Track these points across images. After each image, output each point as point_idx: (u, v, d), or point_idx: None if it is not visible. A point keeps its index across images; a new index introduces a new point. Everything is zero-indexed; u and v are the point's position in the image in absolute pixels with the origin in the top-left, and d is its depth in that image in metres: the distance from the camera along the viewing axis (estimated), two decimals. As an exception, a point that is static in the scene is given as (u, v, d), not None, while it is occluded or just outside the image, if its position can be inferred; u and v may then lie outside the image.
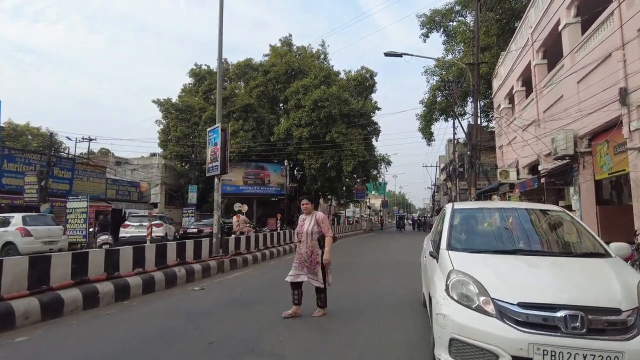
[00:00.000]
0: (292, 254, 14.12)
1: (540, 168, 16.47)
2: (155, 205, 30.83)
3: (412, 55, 15.28)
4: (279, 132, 30.20)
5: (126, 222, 19.02)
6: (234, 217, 15.65)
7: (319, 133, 30.04)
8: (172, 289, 7.64)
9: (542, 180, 13.76)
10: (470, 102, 34.99)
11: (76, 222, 16.86)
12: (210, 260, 9.43)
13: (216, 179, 10.53)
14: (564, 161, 13.53)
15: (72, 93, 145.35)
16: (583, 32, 13.12)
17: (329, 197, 52.21)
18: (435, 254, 4.18)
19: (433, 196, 64.21)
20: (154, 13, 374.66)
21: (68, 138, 33.43)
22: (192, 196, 30.28)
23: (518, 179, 20.03)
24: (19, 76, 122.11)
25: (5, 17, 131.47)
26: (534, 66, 17.18)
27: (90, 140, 40.06)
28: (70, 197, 17.79)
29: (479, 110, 34.29)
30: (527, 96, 19.60)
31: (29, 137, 42.25)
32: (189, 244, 8.87)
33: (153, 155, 37.53)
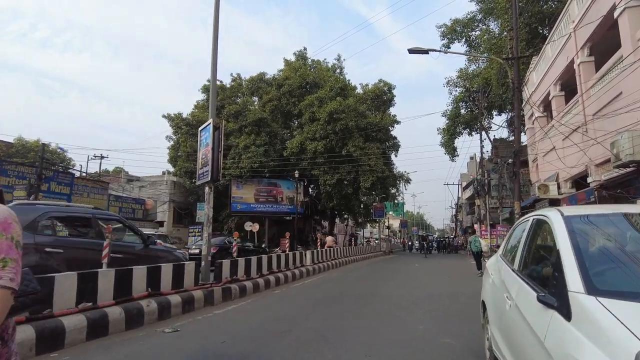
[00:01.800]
0: (302, 280, 12.05)
1: (590, 180, 14.17)
2: (161, 223, 29.23)
3: (439, 51, 13.44)
4: (292, 147, 28.47)
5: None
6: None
7: (334, 147, 28.20)
8: (136, 330, 5.69)
9: (604, 192, 11.45)
10: (497, 114, 32.90)
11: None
12: (195, 289, 7.46)
13: (207, 188, 8.64)
14: (629, 169, 11.27)
15: (94, 118, 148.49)
16: (647, 16, 11.12)
17: (345, 216, 50.07)
18: (555, 302, 2.15)
19: (455, 216, 61.31)
20: (175, 40, 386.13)
21: (60, 149, 32.16)
22: (201, 214, 28.52)
23: (560, 193, 17.71)
24: (47, 102, 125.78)
25: (35, 47, 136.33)
26: (579, 65, 15.08)
27: (102, 157, 39.11)
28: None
29: (506, 123, 32.14)
30: (566, 101, 17.46)
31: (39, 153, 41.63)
32: (166, 269, 6.90)
33: (168, 173, 36.30)
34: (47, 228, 6.28)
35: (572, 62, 15.83)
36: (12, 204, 6.55)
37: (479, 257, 16.69)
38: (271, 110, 32.43)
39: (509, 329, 2.99)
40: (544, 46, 19.57)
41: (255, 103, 35.42)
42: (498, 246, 23.92)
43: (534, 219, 3.35)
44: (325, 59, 36.23)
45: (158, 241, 16.58)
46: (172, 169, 34.47)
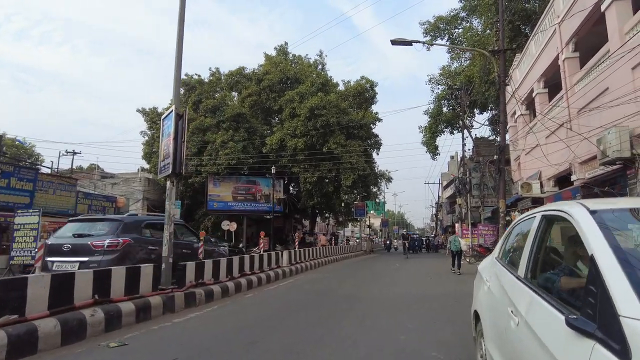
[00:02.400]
0: (277, 283, 11.33)
1: (574, 178, 13.88)
2: (134, 222, 27.99)
3: (422, 42, 12.91)
4: (272, 143, 27.65)
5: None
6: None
7: (315, 144, 27.51)
8: (76, 344, 4.89)
9: (596, 189, 11.06)
10: (479, 113, 32.79)
11: (24, 241, 14.10)
12: (153, 295, 6.66)
13: (168, 183, 7.82)
14: (614, 166, 10.95)
15: (75, 115, 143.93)
16: (635, 9, 10.80)
17: (327, 215, 49.46)
18: (598, 331, 1.52)
19: (436, 215, 61.45)
20: (160, 39, 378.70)
21: (19, 141, 30.59)
22: (175, 213, 27.41)
23: (542, 192, 17.47)
24: (22, 96, 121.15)
25: (9, 39, 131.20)
26: (563, 60, 14.79)
27: (74, 153, 37.43)
28: (19, 211, 15.06)
29: (488, 122, 32.02)
30: (550, 98, 17.22)
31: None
32: (118, 272, 6.09)
33: (143, 170, 34.94)
34: (147, 231, 8.86)
35: (556, 58, 15.55)
36: (125, 214, 10.10)
37: (458, 257, 17.15)
38: (250, 105, 31.53)
39: (516, 353, 2.36)
40: (528, 43, 19.33)
41: (235, 98, 34.45)
42: (480, 246, 23.74)
43: (542, 216, 2.73)
44: (307, 55, 35.44)
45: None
46: (147, 166, 33.19)
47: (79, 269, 6.72)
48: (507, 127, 23.74)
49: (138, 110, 33.00)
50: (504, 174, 11.54)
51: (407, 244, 30.95)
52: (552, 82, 16.81)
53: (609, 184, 12.06)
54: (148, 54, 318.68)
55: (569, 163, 14.48)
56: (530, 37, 18.76)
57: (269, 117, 32.20)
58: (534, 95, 18.05)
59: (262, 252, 12.81)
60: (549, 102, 17.08)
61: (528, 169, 18.86)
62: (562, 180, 16.61)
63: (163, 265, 7.21)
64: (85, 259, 7.19)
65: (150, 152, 32.14)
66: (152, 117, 32.51)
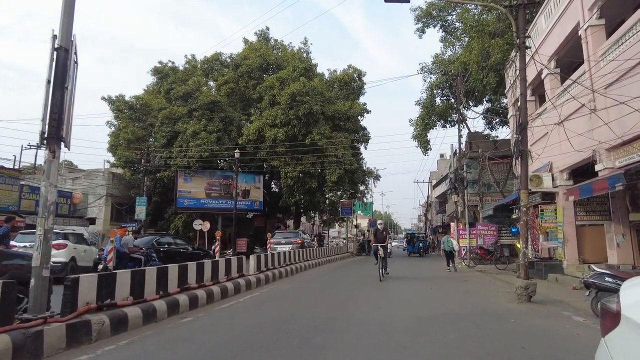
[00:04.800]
0: (236, 297, 8.71)
1: (601, 167, 11.58)
2: (92, 220, 25.05)
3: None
4: (249, 133, 24.98)
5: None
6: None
7: (297, 135, 24.96)
8: None
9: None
10: (473, 105, 30.57)
11: None
12: (10, 330, 4.02)
13: (46, 152, 5.05)
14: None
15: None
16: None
17: (312, 214, 46.86)
18: None
19: (425, 215, 59.42)
20: (145, 35, 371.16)
21: None
22: (140, 210, 24.61)
23: (554, 185, 15.20)
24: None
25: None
26: (586, 30, 12.49)
27: (38, 147, 34.08)
28: None
29: (482, 116, 29.82)
30: (562, 81, 14.98)
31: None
32: None
33: (109, 163, 31.86)
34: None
35: (574, 30, 13.30)
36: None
37: (451, 256, 18.29)
38: (227, 93, 28.83)
39: None
40: (536, 18, 17.09)
41: (212, 87, 31.68)
42: (481, 248, 21.45)
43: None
44: (290, 43, 32.77)
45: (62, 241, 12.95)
46: (112, 159, 30.19)
47: None
48: (509, 116, 21.60)
49: (103, 98, 29.96)
50: (526, 157, 9.14)
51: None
52: (567, 60, 14.59)
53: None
54: (113, 42, 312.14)
55: (592, 150, 12.22)
56: (540, 11, 16.54)
57: (248, 107, 29.51)
58: (543, 77, 15.79)
59: (217, 257, 10.15)
60: (561, 84, 14.88)
61: (536, 161, 16.62)
62: (579, 171, 14.39)
63: (32, 282, 4.57)
64: None
65: (117, 143, 29.16)
66: (119, 106, 29.54)
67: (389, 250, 25.89)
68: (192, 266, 7.86)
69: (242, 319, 6.72)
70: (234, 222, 21.33)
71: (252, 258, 11.02)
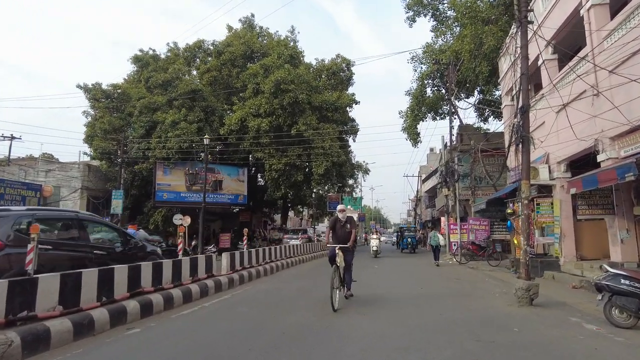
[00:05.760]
0: (203, 301, 7.65)
1: (604, 157, 10.76)
2: (65, 215, 23.66)
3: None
4: (231, 123, 23.77)
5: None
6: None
7: (282, 125, 23.84)
8: None
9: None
10: (465, 97, 29.72)
11: None
12: None
13: None
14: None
15: (42, 104, 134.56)
16: None
17: (301, 209, 45.84)
18: None
19: (415, 209, 58.84)
20: (132, 29, 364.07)
21: None
22: (116, 204, 23.30)
23: (551, 178, 14.42)
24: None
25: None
26: (588, 10, 11.62)
27: (12, 138, 32.44)
28: None
29: (474, 108, 28.97)
30: (560, 68, 14.14)
31: None
32: None
33: (85, 155, 30.37)
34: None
35: (574, 11, 12.43)
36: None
37: (437, 251, 18.50)
38: (209, 82, 27.54)
39: None
40: (532, 1, 16.18)
41: (194, 75, 30.32)
42: (473, 243, 20.63)
43: None
44: (277, 31, 31.47)
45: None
46: (88, 150, 28.73)
47: None
48: (503, 106, 20.76)
49: (79, 86, 28.42)
50: (528, 143, 8.21)
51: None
52: (565, 46, 13.72)
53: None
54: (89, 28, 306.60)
55: (594, 139, 11.39)
56: (537, -7, 15.63)
57: (231, 96, 28.26)
58: (540, 63, 14.91)
59: (180, 255, 9.05)
60: (559, 71, 14.05)
61: (531, 152, 15.79)
62: (578, 164, 13.59)
63: None
64: None
65: (93, 134, 27.72)
66: (95, 94, 28.05)
67: (376, 249, 23.09)
68: (146, 267, 6.78)
69: (200, 329, 5.69)
70: (202, 215, 20.24)
71: (224, 256, 9.96)
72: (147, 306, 6.27)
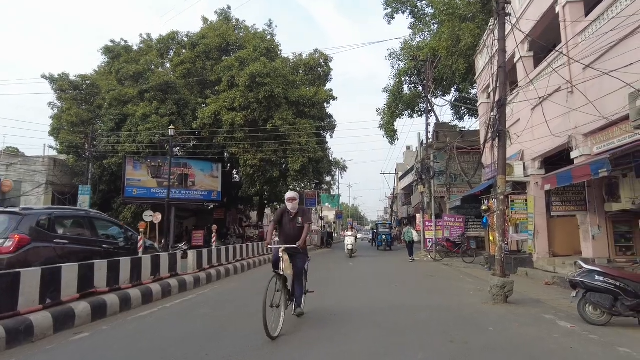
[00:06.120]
0: (165, 303, 7.16)
1: (577, 154, 10.80)
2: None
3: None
4: (204, 117, 23.08)
5: None
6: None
7: (257, 120, 23.30)
8: None
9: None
10: (441, 95, 29.81)
11: None
12: None
13: None
14: (654, 132, 7.77)
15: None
16: None
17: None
18: None
19: (391, 207, 59.14)
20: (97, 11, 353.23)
21: None
22: (83, 200, 22.32)
23: (526, 175, 14.47)
24: None
25: None
26: (564, 6, 11.63)
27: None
28: None
29: (450, 106, 29.08)
30: (536, 64, 14.19)
31: None
32: None
33: (51, 149, 28.97)
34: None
35: (551, 7, 12.44)
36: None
37: (411, 246, 19.16)
38: (183, 75, 26.67)
39: None
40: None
41: (168, 67, 29.36)
42: (447, 240, 20.66)
43: None
44: (254, 25, 30.81)
45: None
46: (54, 144, 27.44)
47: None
48: (478, 103, 20.85)
49: (44, 77, 27.07)
50: (505, 138, 8.05)
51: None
52: (541, 43, 13.75)
53: (627, 158, 8.97)
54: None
55: (567, 136, 11.42)
56: (513, -9, 15.62)
57: (206, 89, 27.49)
58: (516, 60, 14.95)
59: (140, 253, 8.50)
60: (535, 67, 14.09)
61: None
62: (552, 160, 13.67)
63: None
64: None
65: (59, 127, 26.48)
66: (62, 85, 26.78)
67: (351, 247, 21.37)
68: (100, 265, 6.26)
69: (156, 332, 5.24)
70: (167, 208, 19.59)
71: (191, 254, 9.48)
72: (100, 308, 5.77)
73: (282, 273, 5.23)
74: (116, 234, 8.60)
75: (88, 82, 27.31)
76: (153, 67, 26.93)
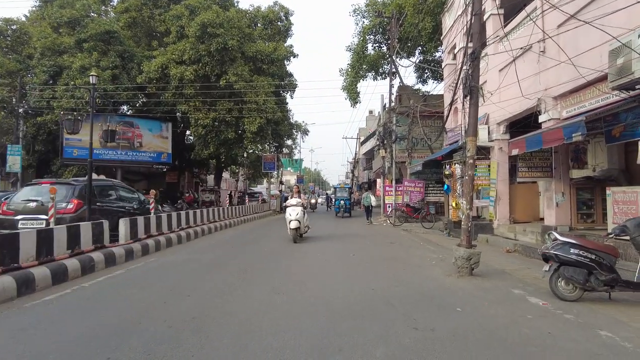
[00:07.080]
0: (84, 281, 6.00)
1: (546, 117, 10.29)
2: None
3: None
4: (150, 71, 20.98)
5: None
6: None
7: (209, 75, 21.47)
8: None
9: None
10: (405, 57, 28.84)
11: None
12: None
13: None
14: (629, 94, 7.23)
15: None
16: None
17: (236, 169, 43.75)
18: None
19: (352, 172, 59.00)
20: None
21: None
22: (13, 161, 20.08)
23: (490, 139, 13.99)
24: None
25: None
26: (539, -44, 10.75)
27: None
28: None
29: (414, 69, 28.21)
30: (506, 23, 13.44)
31: None
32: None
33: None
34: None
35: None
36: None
37: (369, 211, 20.19)
38: (128, 24, 24.08)
39: None
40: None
41: (112, 16, 26.41)
42: (407, 205, 20.35)
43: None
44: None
45: None
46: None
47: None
48: (444, 64, 20.09)
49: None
50: (477, 95, 7.28)
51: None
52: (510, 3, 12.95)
53: (603, 121, 8.50)
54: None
55: (536, 99, 10.87)
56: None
57: (153, 40, 25.03)
58: (485, 18, 14.09)
59: (51, 222, 7.24)
60: (504, 27, 13.32)
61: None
62: (518, 125, 13.21)
63: None
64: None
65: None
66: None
67: (297, 226, 11.12)
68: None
69: (58, 323, 4.19)
70: (90, 170, 17.85)
71: (122, 222, 8.29)
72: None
73: None
74: (131, 198, 10.93)
75: (14, 27, 24.12)
76: (93, 13, 24.06)
